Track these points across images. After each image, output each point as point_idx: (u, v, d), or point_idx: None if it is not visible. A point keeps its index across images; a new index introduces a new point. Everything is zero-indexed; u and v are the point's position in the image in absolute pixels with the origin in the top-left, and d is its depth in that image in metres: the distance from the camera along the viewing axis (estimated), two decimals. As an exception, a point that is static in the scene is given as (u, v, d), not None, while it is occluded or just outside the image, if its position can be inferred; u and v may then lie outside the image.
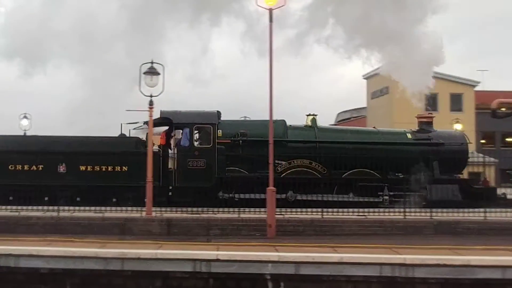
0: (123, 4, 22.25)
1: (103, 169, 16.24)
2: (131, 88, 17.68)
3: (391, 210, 13.70)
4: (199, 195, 15.41)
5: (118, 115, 18.99)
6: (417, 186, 16.39)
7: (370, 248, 10.05)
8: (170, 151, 17.18)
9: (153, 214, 13.54)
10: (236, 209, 13.69)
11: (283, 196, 15.63)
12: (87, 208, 13.94)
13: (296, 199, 16.11)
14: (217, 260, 9.17)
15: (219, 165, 16.49)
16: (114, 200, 15.13)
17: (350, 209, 13.85)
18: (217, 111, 17.30)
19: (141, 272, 9.18)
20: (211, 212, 13.87)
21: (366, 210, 13.68)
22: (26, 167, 16.20)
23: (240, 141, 16.99)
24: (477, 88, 42.02)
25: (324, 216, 13.38)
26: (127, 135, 17.64)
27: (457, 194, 16.82)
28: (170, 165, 16.92)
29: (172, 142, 17.87)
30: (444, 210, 13.69)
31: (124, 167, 16.26)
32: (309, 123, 18.45)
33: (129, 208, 13.95)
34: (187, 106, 18.24)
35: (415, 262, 8.95)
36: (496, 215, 13.47)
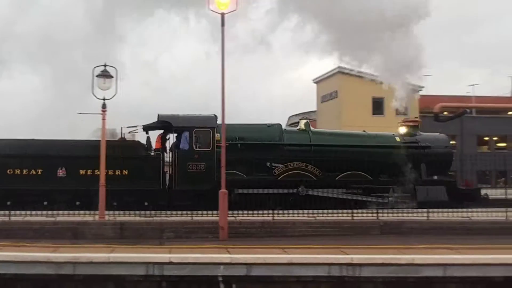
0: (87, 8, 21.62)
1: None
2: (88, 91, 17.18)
3: (339, 211, 13.91)
4: (198, 198, 15.27)
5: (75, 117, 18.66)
6: (407, 187, 17.03)
7: (319, 248, 10.19)
8: (165, 155, 17.04)
9: (106, 217, 13.29)
10: (189, 212, 13.60)
11: (295, 190, 16.08)
12: (39, 212, 13.59)
13: (307, 194, 16.49)
14: (170, 263, 9.08)
15: (218, 168, 16.29)
16: (114, 204, 14.62)
17: (300, 211, 14.02)
18: (214, 115, 17.15)
19: (93, 276, 8.98)
20: (164, 215, 13.74)
21: (315, 211, 13.84)
22: (25, 171, 15.78)
23: (239, 145, 16.92)
24: (421, 93, 43.37)
25: (275, 218, 13.50)
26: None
27: (444, 195, 17.39)
28: (166, 168, 16.82)
29: (167, 145, 17.64)
30: (390, 210, 14.06)
31: (124, 171, 16.07)
32: (303, 126, 18.76)
33: (82, 212, 13.64)
34: (145, 110, 18.10)
35: (362, 261, 9.12)
36: (438, 215, 13.94)
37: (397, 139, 19.11)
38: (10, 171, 15.71)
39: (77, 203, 14.91)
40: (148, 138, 17.96)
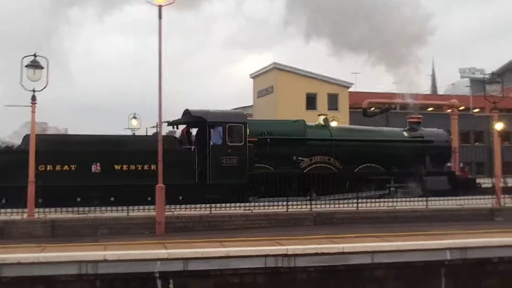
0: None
1: (139, 168, 15.34)
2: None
3: (275, 204, 13.98)
4: (231, 191, 14.93)
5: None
6: (416, 178, 18.17)
7: (256, 240, 10.21)
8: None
9: (36, 215, 12.58)
10: (125, 207, 13.17)
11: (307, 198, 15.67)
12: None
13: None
14: (104, 260, 8.75)
15: (250, 162, 16.60)
16: (149, 199, 13.81)
17: (237, 204, 13.96)
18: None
19: (21, 278, 8.48)
20: (99, 211, 13.23)
21: (251, 204, 13.84)
22: (57, 167, 14.90)
23: (268, 139, 17.35)
24: (351, 89, 44.59)
25: (212, 212, 13.36)
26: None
27: (446, 185, 18.73)
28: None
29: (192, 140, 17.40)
30: (323, 202, 14.28)
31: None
32: (322, 122, 19.44)
33: (9, 210, 12.80)
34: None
35: (296, 252, 9.23)
36: (366, 205, 14.34)
37: (405, 134, 20.43)
38: (41, 167, 14.61)
39: (112, 199, 14.12)
40: (183, 133, 17.86)
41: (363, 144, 18.83)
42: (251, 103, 50.96)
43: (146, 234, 11.91)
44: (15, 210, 12.73)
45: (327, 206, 14.20)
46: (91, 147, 15.42)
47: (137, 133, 21.25)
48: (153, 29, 13.10)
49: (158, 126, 17.28)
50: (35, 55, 12.89)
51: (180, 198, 14.52)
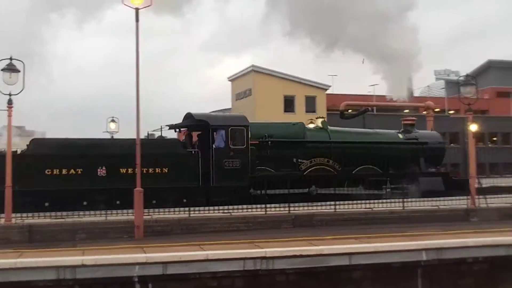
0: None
1: (144, 171, 14.94)
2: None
3: (254, 206, 14.00)
4: (234, 194, 15.14)
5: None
6: (411, 179, 18.27)
7: (234, 243, 10.20)
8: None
9: (13, 220, 12.38)
10: (103, 212, 13.04)
11: (306, 190, 16.50)
12: None
13: (317, 193, 16.88)
14: (83, 265, 8.63)
15: (251, 164, 16.77)
16: (154, 202, 14.18)
17: (216, 207, 13.94)
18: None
19: (-2, 284, 8.35)
20: (77, 216, 13.07)
21: (230, 207, 13.84)
22: (64, 171, 14.96)
23: (269, 142, 17.56)
24: (328, 91, 44.92)
25: (191, 215, 13.33)
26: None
27: (441, 185, 18.99)
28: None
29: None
30: (301, 204, 14.35)
31: (164, 169, 15.73)
32: (320, 125, 19.77)
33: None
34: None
35: (275, 254, 9.24)
36: (344, 207, 14.45)
37: (400, 136, 20.85)
38: (48, 172, 14.83)
39: (118, 202, 14.08)
40: (187, 136, 18.02)
41: (360, 146, 19.18)
42: (229, 106, 50.95)
43: (124, 238, 11.82)
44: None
45: (306, 208, 14.27)
46: (97, 151, 15.51)
47: (116, 136, 21.00)
48: (132, 31, 13.01)
49: (161, 129, 17.42)
50: (11, 59, 12.70)
51: (184, 200, 14.62)
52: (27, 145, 15.84)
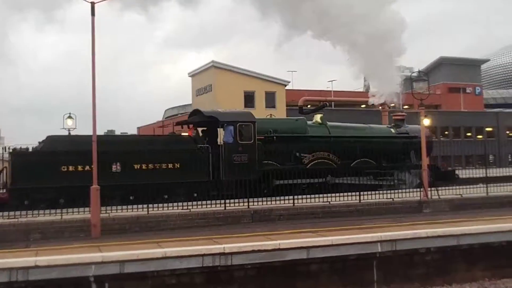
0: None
1: (157, 167, 15.72)
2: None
3: (213, 202, 13.90)
4: (242, 188, 14.99)
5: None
6: (403, 171, 19.38)
7: (193, 240, 10.11)
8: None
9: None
10: (58, 211, 12.66)
11: (322, 180, 16.93)
12: None
13: (334, 182, 17.35)
14: (36, 266, 8.34)
15: (259, 159, 17.29)
16: (165, 197, 14.55)
17: (175, 203, 13.78)
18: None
19: None
20: (31, 215, 12.64)
21: (190, 203, 13.69)
22: (79, 168, 14.98)
23: (274, 137, 18.07)
24: (287, 87, 45.18)
25: (149, 212, 13.11)
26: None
27: (430, 176, 18.93)
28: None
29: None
30: (260, 199, 14.34)
31: (176, 164, 16.01)
32: (319, 120, 20.44)
33: None
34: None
35: (233, 250, 9.19)
36: (303, 201, 14.55)
37: (392, 130, 21.99)
38: (64, 168, 14.83)
39: (131, 197, 14.26)
40: (197, 132, 18.33)
41: (357, 141, 19.81)
42: (190, 102, 50.48)
43: (81, 238, 11.52)
44: None
45: (264, 203, 14.28)
46: (111, 147, 15.45)
47: (73, 133, 20.43)
48: (98, 27, 12.68)
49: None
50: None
51: (195, 195, 14.72)
52: (42, 141, 15.80)
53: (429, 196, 15.62)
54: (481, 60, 73.48)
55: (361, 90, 58.46)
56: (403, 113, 23.61)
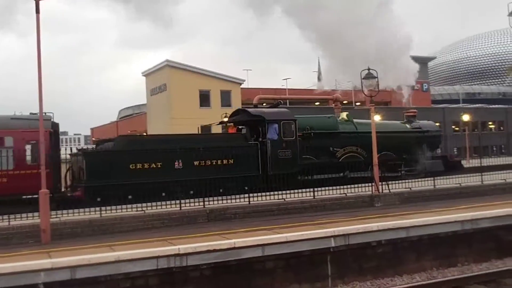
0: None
1: (213, 163, 16.92)
2: None
3: (168, 203, 13.65)
4: (285, 181, 15.86)
5: None
6: (419, 162, 21.86)
7: (147, 242, 9.89)
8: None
9: None
10: (5, 216, 12.08)
11: (341, 174, 18.13)
12: None
13: (351, 177, 18.15)
14: (-19, 276, 7.95)
15: (300, 154, 18.66)
16: (221, 190, 15.04)
17: (129, 205, 13.45)
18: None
19: None
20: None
21: (144, 205, 13.38)
22: (146, 166, 15.96)
23: (312, 133, 19.52)
24: (243, 86, 45.15)
25: (102, 215, 12.74)
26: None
27: (442, 166, 22.56)
28: None
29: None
30: (215, 198, 14.21)
31: (230, 160, 17.14)
32: (345, 117, 22.11)
33: None
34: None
35: (188, 251, 9.04)
36: (258, 199, 14.51)
37: (408, 126, 24.13)
38: (132, 166, 15.77)
39: (191, 192, 14.61)
40: (247, 130, 19.53)
41: (380, 136, 20.41)
42: (145, 101, 49.64)
43: (30, 244, 11.03)
44: None
45: (220, 202, 14.15)
46: (174, 145, 16.66)
47: None
48: (45, 26, 12.15)
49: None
50: None
51: (246, 188, 15.26)
52: (112, 141, 17.16)
53: (380, 190, 15.90)
54: (428, 58, 75.84)
55: (315, 88, 59.16)
56: (415, 110, 25.87)
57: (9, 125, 15.90)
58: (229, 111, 40.81)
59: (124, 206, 13.34)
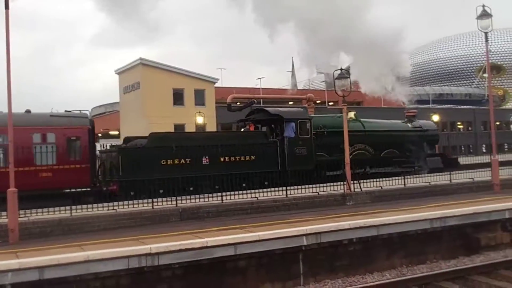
0: None
1: (237, 159, 17.94)
2: None
3: (140, 202, 13.49)
4: (304, 176, 16.36)
5: None
6: (420, 158, 23.31)
7: (118, 241, 9.74)
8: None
9: None
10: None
11: (362, 170, 19.41)
12: None
13: (371, 172, 19.75)
14: None
15: (316, 151, 19.86)
16: (244, 185, 16.11)
17: (100, 204, 13.25)
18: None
19: None
20: None
21: (116, 204, 13.20)
22: (176, 161, 16.87)
23: (325, 132, 20.59)
24: (217, 85, 44.98)
25: (73, 214, 12.50)
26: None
27: (440, 163, 23.90)
28: None
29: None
30: (188, 197, 14.12)
31: (252, 156, 18.21)
32: (353, 117, 22.90)
33: None
34: None
35: (160, 250, 8.95)
36: (231, 198, 14.46)
37: (409, 125, 25.43)
38: (163, 162, 16.64)
39: (216, 186, 15.47)
40: (270, 128, 20.63)
41: (385, 134, 23.20)
42: (118, 100, 48.97)
43: (-3, 244, 10.75)
44: None
45: (193, 201, 14.06)
46: (202, 142, 17.78)
47: None
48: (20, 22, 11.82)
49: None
50: None
51: (266, 183, 16.50)
52: (145, 138, 17.86)
53: (352, 189, 16.06)
54: (399, 59, 76.83)
55: (289, 87, 59.43)
56: (415, 110, 27.55)
57: (50, 122, 16.37)
58: (203, 110, 40.69)
59: (95, 205, 13.13)
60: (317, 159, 19.73)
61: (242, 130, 21.37)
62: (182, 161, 16.98)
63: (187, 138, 19.67)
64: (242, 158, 18.09)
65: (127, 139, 18.71)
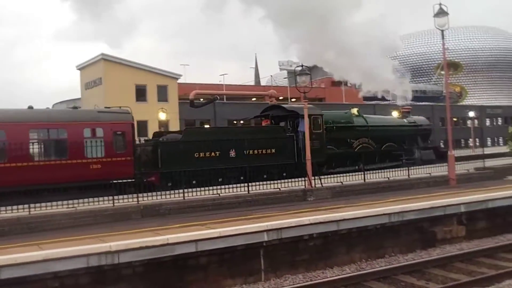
0: None
1: (260, 152, 19.38)
2: None
3: (101, 199, 13.30)
4: (317, 167, 17.64)
5: None
6: (414, 152, 25.37)
7: (77, 240, 9.58)
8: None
9: None
10: None
11: (356, 167, 21.11)
12: None
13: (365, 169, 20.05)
14: None
15: (327, 145, 21.49)
16: (264, 176, 17.52)
17: (59, 202, 12.99)
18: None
19: None
20: None
21: (76, 201, 12.97)
22: (207, 154, 18.25)
23: (334, 127, 22.27)
24: (180, 81, 44.56)
25: (31, 213, 12.22)
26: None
27: (433, 155, 25.76)
28: None
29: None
30: (150, 194, 14.01)
31: (272, 149, 19.69)
32: (356, 113, 24.45)
33: None
34: None
35: (120, 248, 8.85)
36: (193, 194, 14.43)
37: (405, 121, 27.40)
38: (197, 155, 18.05)
39: (241, 178, 16.66)
40: (286, 123, 22.14)
41: (385, 129, 25.19)
42: (79, 96, 47.88)
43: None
44: None
45: (154, 198, 13.95)
46: (230, 136, 19.27)
47: None
48: None
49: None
50: None
51: (284, 174, 18.26)
52: (181, 132, 19.55)
53: (313, 184, 16.28)
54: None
55: (252, 83, 59.53)
56: (410, 107, 29.33)
57: (98, 117, 17.35)
58: (166, 106, 40.28)
59: (54, 203, 12.86)
60: (328, 152, 21.42)
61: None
62: (213, 153, 18.43)
63: (216, 132, 21.55)
64: (264, 151, 19.55)
65: (156, 134, 20.03)
